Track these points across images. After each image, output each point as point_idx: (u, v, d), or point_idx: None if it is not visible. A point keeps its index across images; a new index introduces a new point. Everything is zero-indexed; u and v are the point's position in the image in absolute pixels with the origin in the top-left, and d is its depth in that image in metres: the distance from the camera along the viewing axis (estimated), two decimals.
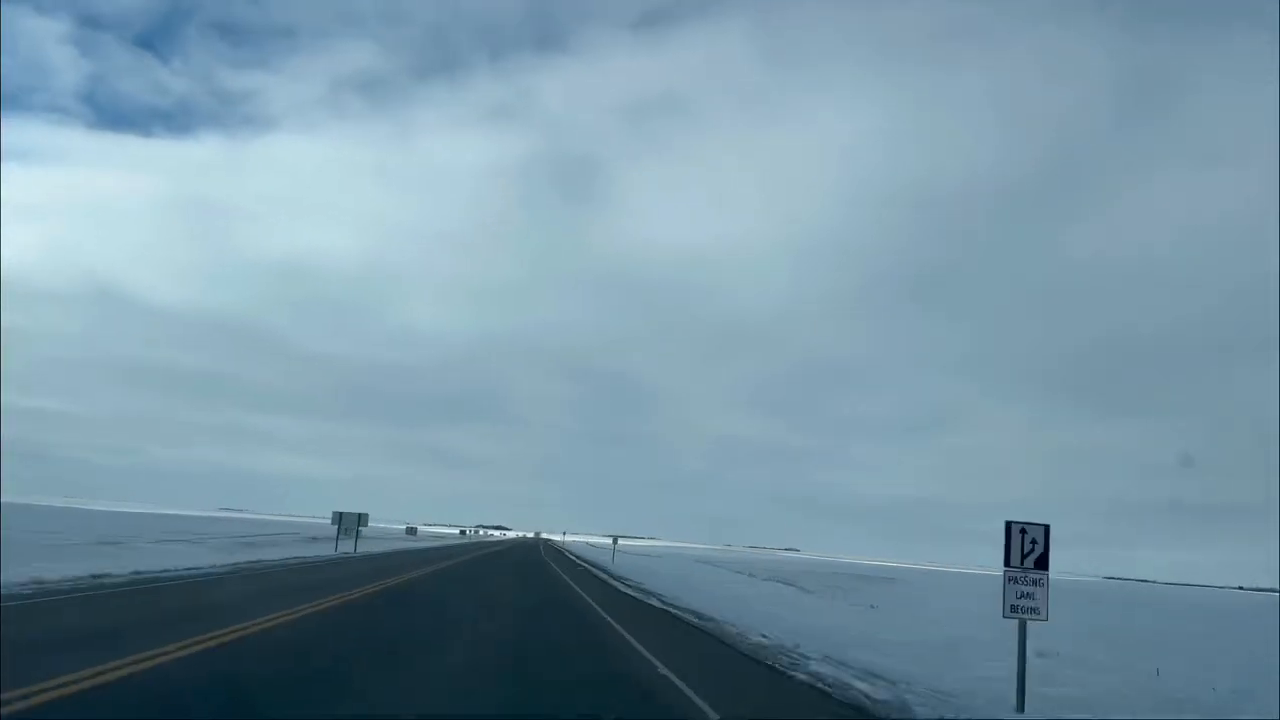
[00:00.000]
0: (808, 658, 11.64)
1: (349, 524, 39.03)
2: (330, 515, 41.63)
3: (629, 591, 25.78)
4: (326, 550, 37.29)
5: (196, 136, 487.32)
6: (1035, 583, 9.16)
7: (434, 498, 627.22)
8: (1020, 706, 8.83)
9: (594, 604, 20.32)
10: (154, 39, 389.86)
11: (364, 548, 42.30)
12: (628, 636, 13.61)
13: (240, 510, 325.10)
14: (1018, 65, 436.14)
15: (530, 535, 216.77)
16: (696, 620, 16.78)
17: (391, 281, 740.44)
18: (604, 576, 34.21)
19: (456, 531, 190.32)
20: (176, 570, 20.12)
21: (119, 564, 19.81)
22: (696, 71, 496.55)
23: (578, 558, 57.48)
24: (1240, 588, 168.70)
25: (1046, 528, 9.31)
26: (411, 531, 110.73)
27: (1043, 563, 9.22)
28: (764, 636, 13.82)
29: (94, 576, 16.54)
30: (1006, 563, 9.22)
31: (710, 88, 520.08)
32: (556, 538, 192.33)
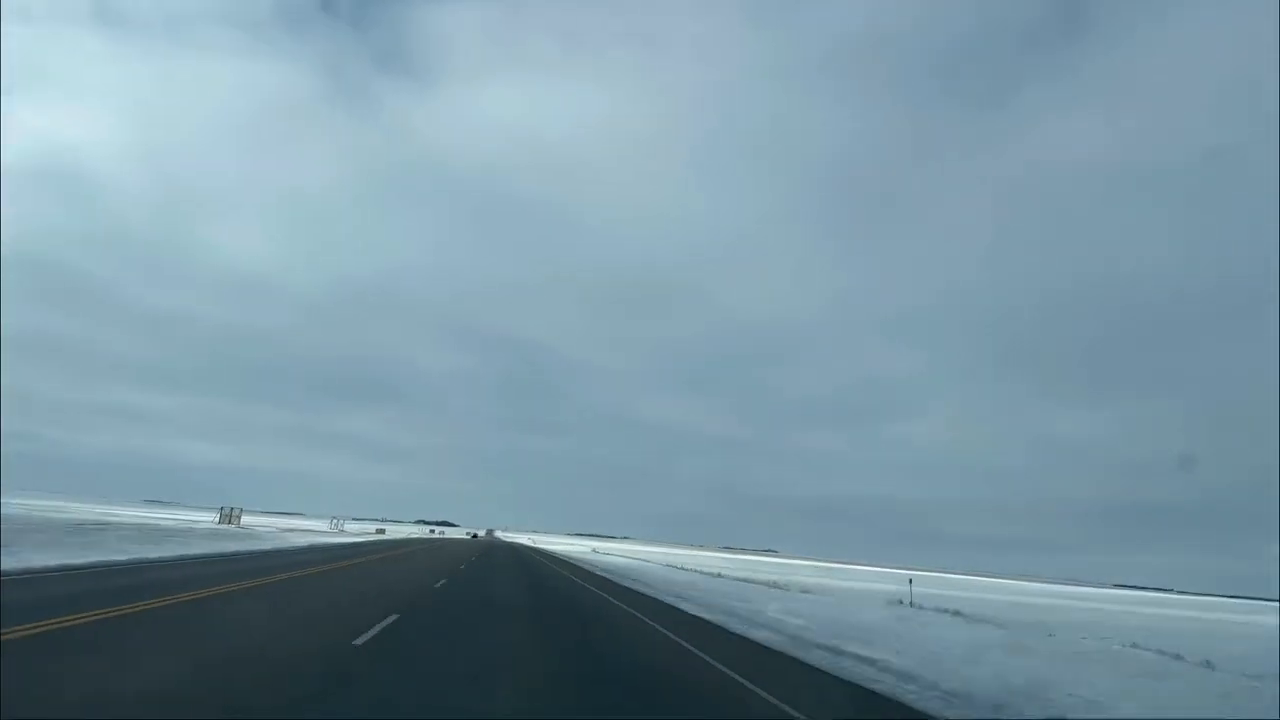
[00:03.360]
0: None
1: None
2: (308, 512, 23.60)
3: None
4: None
5: None
6: None
7: (388, 497, 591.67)
8: None
9: None
10: None
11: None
12: None
13: (168, 502, 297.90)
14: None
15: (482, 534, 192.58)
16: None
17: (188, 199, 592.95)
18: None
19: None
20: None
21: None
22: None
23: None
24: None
25: None
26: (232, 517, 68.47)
27: None
28: None
29: None
30: None
31: None
32: (523, 539, 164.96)
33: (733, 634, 16.05)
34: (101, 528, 35.51)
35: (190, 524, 57.51)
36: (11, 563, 16.54)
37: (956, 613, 23.43)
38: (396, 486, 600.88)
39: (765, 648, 14.19)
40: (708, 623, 18.00)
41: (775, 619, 18.93)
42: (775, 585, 36.05)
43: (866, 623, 19.08)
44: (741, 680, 10.27)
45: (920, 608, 24.96)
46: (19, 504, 64.35)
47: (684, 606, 21.93)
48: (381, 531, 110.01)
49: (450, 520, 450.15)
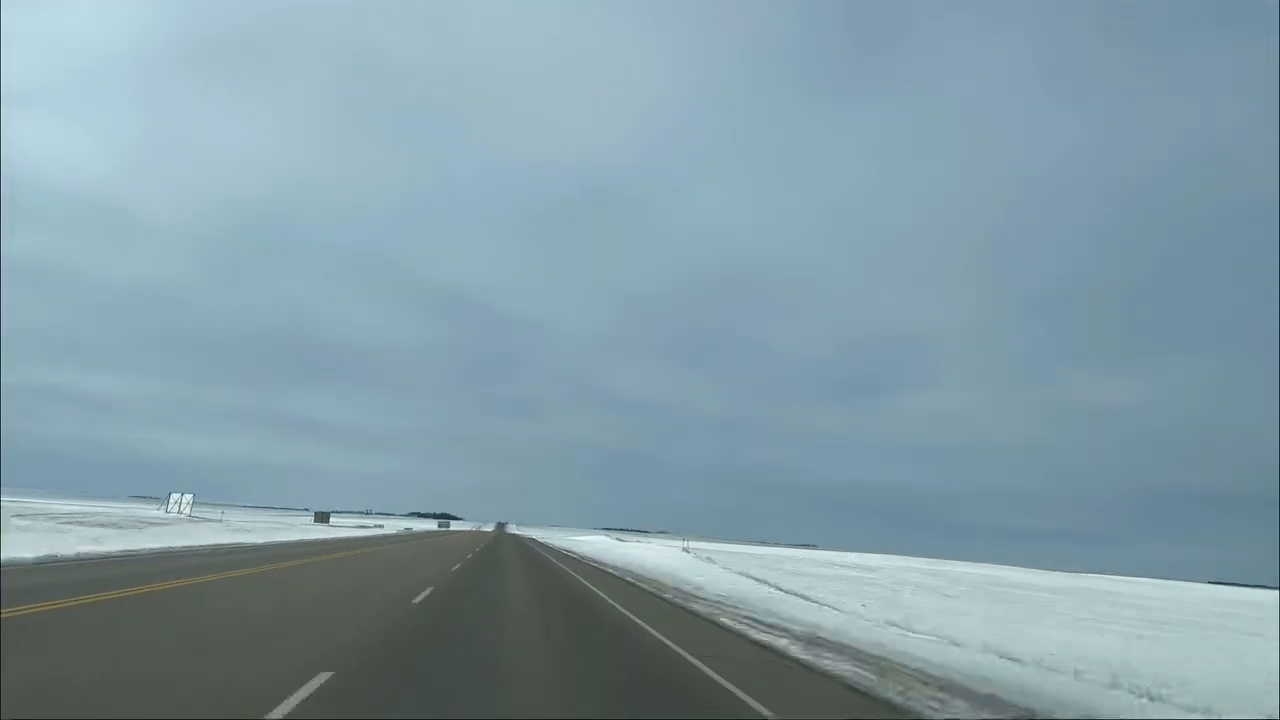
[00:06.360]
0: None
1: None
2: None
3: None
4: None
5: None
6: None
7: (383, 489, 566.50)
8: None
9: None
10: None
11: None
12: None
13: (153, 497, 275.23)
14: None
15: (489, 529, 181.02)
16: None
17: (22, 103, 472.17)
18: None
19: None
20: None
21: None
22: None
23: None
24: None
25: None
26: None
27: None
28: None
29: None
30: None
31: None
32: (570, 542, 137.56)
33: None
34: None
35: None
36: None
37: None
38: (391, 477, 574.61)
39: None
40: None
41: None
42: None
43: None
44: None
45: None
46: None
47: None
48: None
49: (451, 513, 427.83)
